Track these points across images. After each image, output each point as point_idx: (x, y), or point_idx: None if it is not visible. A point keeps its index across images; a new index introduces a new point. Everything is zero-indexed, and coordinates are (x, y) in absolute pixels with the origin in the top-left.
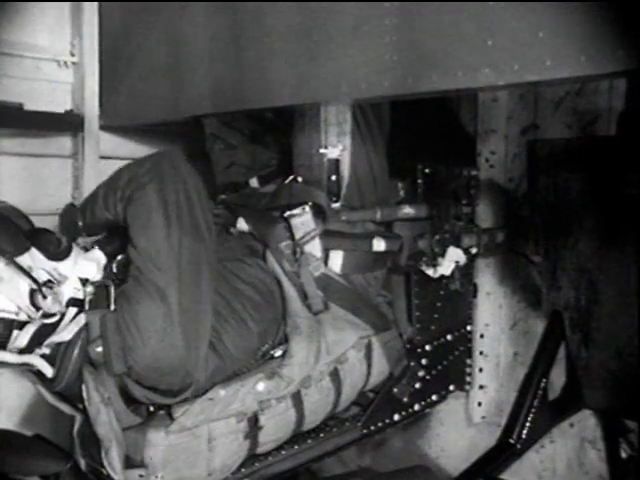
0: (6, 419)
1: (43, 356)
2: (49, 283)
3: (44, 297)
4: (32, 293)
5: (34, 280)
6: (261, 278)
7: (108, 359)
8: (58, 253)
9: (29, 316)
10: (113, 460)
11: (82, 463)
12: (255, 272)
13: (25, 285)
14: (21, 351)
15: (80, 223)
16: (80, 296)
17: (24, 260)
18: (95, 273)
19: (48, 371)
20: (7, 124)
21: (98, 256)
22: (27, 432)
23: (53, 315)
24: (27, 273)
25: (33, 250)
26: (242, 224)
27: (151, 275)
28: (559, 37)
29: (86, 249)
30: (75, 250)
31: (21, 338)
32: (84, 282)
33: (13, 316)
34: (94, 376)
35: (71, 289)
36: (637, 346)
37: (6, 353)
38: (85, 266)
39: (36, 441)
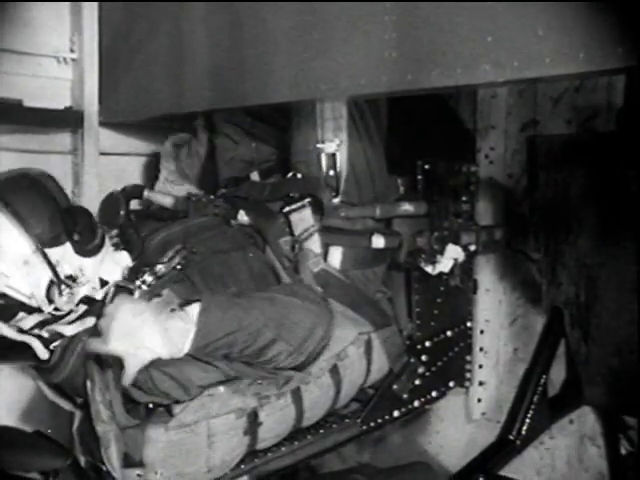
0: (6, 415)
1: (40, 337)
2: (70, 280)
3: (60, 294)
4: (50, 285)
5: (56, 274)
6: (262, 271)
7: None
8: (90, 250)
9: (40, 306)
10: (112, 458)
11: (82, 459)
12: (257, 265)
13: (46, 276)
14: (21, 330)
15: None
16: (95, 296)
17: (54, 252)
18: (117, 277)
19: (42, 353)
20: (7, 120)
21: (125, 260)
22: (27, 428)
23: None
24: (52, 266)
25: (66, 243)
26: (243, 217)
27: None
28: (558, 34)
29: (117, 245)
30: (105, 246)
31: (26, 321)
32: (103, 283)
33: (25, 299)
34: (100, 377)
35: (89, 288)
36: (637, 343)
37: (5, 327)
38: (110, 269)
39: (36, 437)
